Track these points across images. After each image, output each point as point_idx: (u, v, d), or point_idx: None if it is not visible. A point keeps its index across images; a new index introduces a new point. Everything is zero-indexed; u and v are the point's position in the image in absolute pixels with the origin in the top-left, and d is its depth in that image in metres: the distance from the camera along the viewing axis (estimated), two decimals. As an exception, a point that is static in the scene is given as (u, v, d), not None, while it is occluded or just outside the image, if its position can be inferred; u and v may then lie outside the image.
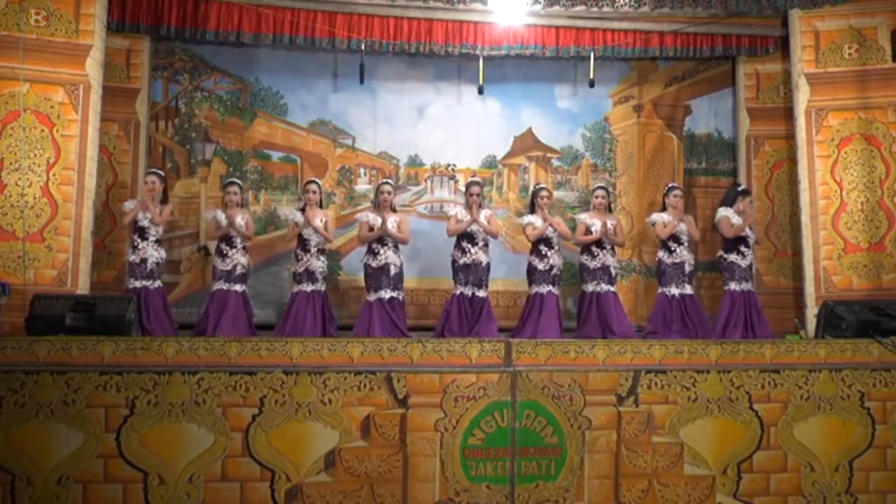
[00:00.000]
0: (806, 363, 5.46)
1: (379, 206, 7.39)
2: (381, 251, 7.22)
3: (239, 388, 4.97)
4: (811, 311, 7.51)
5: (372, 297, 7.17)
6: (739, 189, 7.73)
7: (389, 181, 7.67)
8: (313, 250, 7.27)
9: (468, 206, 7.40)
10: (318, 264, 7.27)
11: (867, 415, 5.45)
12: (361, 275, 7.59)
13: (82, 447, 4.82)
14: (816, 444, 5.40)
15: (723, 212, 7.48)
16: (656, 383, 5.31)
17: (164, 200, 7.31)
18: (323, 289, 7.28)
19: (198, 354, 4.99)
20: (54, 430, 4.80)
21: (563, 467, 5.20)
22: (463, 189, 8.66)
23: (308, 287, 7.20)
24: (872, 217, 7.62)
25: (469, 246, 7.31)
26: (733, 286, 7.35)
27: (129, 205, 7.23)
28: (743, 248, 7.40)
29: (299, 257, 7.30)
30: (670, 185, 7.85)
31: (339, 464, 5.03)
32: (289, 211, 7.94)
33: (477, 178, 7.96)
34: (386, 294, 7.15)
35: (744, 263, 7.38)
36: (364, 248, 7.43)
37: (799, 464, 5.38)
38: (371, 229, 7.25)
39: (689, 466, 5.31)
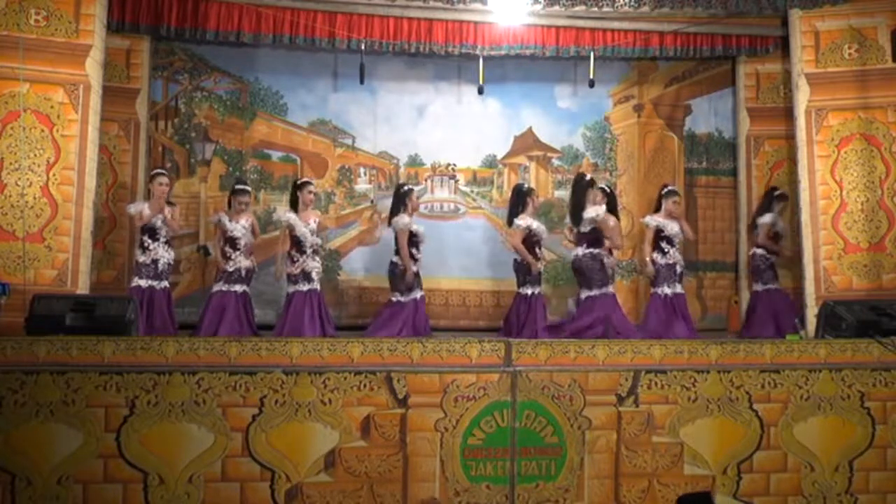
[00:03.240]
0: (806, 363, 5.45)
1: (409, 209, 7.41)
2: (420, 257, 7.38)
3: (239, 388, 4.96)
4: (811, 311, 7.51)
5: (410, 296, 7.26)
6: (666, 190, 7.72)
7: (412, 187, 7.68)
8: (308, 251, 7.28)
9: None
10: (314, 265, 7.29)
11: (867, 415, 5.44)
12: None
13: (82, 447, 4.81)
14: (816, 444, 5.39)
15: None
16: (656, 383, 5.30)
17: (169, 202, 7.33)
18: (318, 288, 7.28)
19: (198, 354, 4.99)
20: (54, 430, 4.79)
21: (563, 467, 5.19)
22: (466, 189, 8.68)
23: (304, 287, 7.22)
24: (872, 217, 7.61)
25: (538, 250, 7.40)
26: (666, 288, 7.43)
27: (134, 206, 7.23)
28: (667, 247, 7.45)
29: (295, 258, 7.30)
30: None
31: (339, 464, 5.02)
32: (281, 213, 7.91)
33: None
34: (418, 294, 7.30)
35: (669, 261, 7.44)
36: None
37: (799, 464, 5.37)
38: (414, 234, 7.29)
39: (689, 466, 5.31)
